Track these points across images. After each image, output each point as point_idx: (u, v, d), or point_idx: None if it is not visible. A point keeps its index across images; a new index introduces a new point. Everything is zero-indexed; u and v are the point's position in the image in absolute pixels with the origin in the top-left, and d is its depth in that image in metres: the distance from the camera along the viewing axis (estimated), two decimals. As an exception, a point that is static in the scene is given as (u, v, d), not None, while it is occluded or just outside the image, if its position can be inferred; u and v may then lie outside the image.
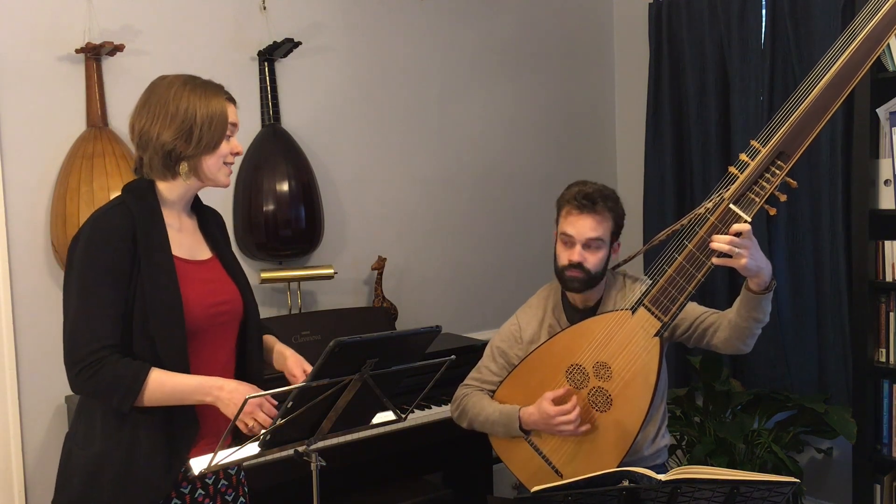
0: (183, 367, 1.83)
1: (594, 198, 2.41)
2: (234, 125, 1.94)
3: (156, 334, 1.81)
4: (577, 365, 2.39)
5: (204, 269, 1.96)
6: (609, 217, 2.43)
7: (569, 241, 2.42)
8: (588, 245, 2.40)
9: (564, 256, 2.44)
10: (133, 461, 1.82)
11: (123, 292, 1.81)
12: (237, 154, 1.96)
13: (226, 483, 2.03)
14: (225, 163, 1.94)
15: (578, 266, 2.41)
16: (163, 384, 1.79)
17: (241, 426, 1.79)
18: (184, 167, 1.89)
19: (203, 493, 1.96)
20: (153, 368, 1.80)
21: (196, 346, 1.88)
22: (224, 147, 1.92)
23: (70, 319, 1.81)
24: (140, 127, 1.89)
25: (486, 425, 2.50)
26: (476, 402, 2.52)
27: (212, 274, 1.98)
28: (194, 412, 1.86)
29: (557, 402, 2.36)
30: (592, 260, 2.41)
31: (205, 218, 2.05)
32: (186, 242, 1.96)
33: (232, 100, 1.95)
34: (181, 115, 1.86)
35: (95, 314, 1.79)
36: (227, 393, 1.80)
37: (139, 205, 1.88)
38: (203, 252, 2.00)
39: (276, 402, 1.83)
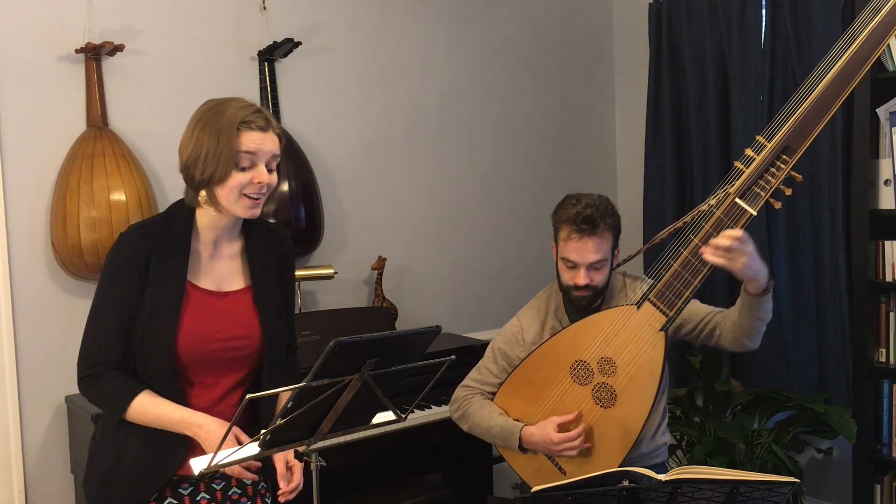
0: (172, 393, 1.85)
1: (594, 220, 2.36)
2: (252, 153, 1.81)
3: (145, 357, 1.85)
4: (581, 361, 2.39)
5: (226, 301, 1.92)
6: (610, 234, 2.40)
7: (573, 266, 2.41)
8: (592, 266, 2.39)
9: (569, 277, 2.42)
10: (119, 464, 1.87)
11: (130, 311, 1.84)
12: (261, 184, 1.82)
13: (238, 491, 1.98)
14: (244, 194, 1.82)
15: (586, 287, 2.41)
16: (146, 411, 1.83)
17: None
18: (203, 196, 1.86)
19: (207, 497, 1.94)
20: (142, 393, 1.83)
21: (196, 373, 1.89)
22: (236, 178, 1.81)
23: (85, 329, 1.87)
24: (179, 150, 1.89)
25: (485, 436, 2.51)
26: (477, 411, 2.51)
27: (233, 307, 1.92)
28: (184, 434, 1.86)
29: (564, 426, 2.37)
30: (598, 277, 2.42)
31: (256, 244, 1.98)
32: (217, 270, 1.92)
33: (258, 127, 1.82)
34: (193, 143, 1.83)
35: (102, 329, 1.85)
36: (205, 432, 1.80)
37: (165, 228, 1.88)
38: (235, 282, 1.95)
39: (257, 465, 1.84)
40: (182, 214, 1.90)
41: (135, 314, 1.84)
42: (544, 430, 2.37)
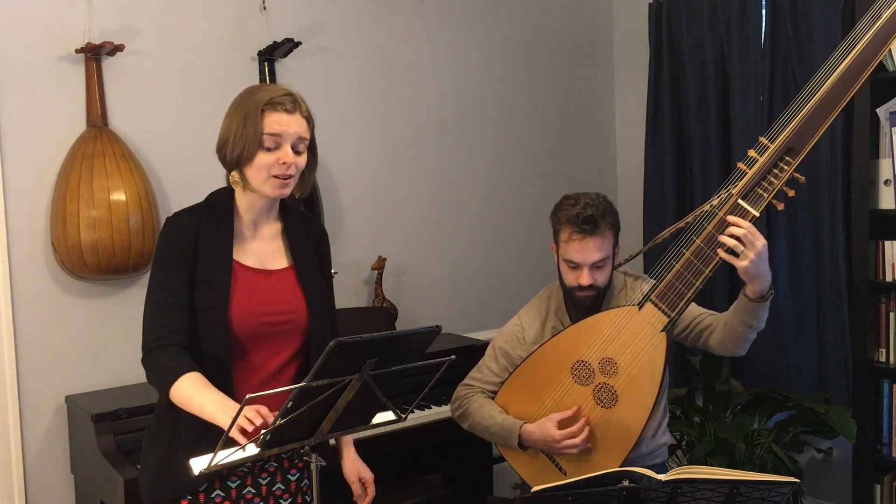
0: (224, 369, 1.87)
1: (595, 220, 2.36)
2: (276, 135, 1.87)
3: (200, 335, 1.88)
4: (582, 361, 2.39)
5: (271, 278, 1.97)
6: (610, 232, 2.41)
7: (575, 266, 2.41)
8: (595, 266, 2.40)
9: (572, 278, 2.42)
10: (172, 452, 1.89)
11: (186, 285, 1.88)
12: (286, 164, 1.87)
13: (282, 487, 2.01)
14: (273, 175, 1.88)
15: (589, 287, 2.41)
16: (178, 392, 1.81)
17: (237, 436, 1.69)
18: (234, 176, 1.92)
19: (253, 491, 1.97)
20: (188, 374, 1.80)
21: (247, 349, 1.91)
22: (262, 158, 1.87)
23: (144, 312, 1.91)
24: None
25: (485, 434, 2.51)
26: (477, 409, 2.51)
27: (279, 284, 1.98)
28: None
29: (564, 424, 2.36)
30: (601, 277, 2.42)
31: (293, 228, 2.04)
32: (259, 251, 1.98)
33: (284, 109, 1.88)
34: (224, 126, 1.92)
35: (158, 306, 1.88)
36: (228, 417, 1.73)
37: (208, 210, 1.95)
38: (277, 261, 2.00)
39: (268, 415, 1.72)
40: (222, 198, 1.97)
41: (190, 288, 1.88)
42: (545, 428, 2.37)
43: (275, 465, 2.00)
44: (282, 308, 1.96)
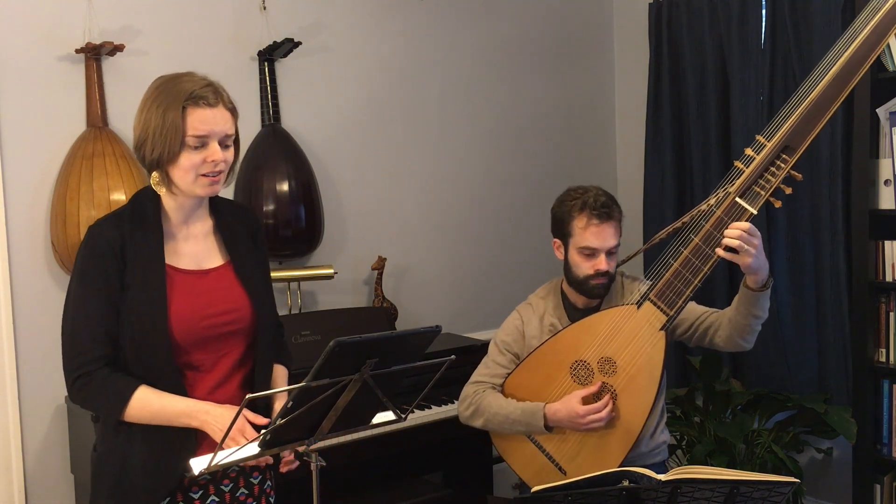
0: (172, 380, 1.81)
1: (609, 206, 2.43)
2: (202, 136, 1.77)
3: (140, 346, 1.80)
4: (581, 361, 2.39)
5: (208, 277, 1.90)
6: (619, 222, 2.47)
7: (592, 253, 2.42)
8: (609, 252, 2.43)
9: (588, 266, 2.43)
10: (127, 468, 1.83)
11: (113, 303, 1.79)
12: (215, 161, 1.78)
13: (245, 492, 1.96)
14: (201, 174, 1.79)
15: (605, 274, 2.42)
16: (149, 404, 1.77)
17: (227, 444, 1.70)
18: (155, 177, 1.83)
19: (217, 499, 1.91)
20: (142, 387, 1.78)
21: (195, 356, 1.85)
22: (189, 158, 1.77)
23: (65, 329, 1.82)
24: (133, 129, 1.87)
25: (504, 424, 2.46)
26: (493, 401, 2.50)
27: (217, 283, 1.90)
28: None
29: (587, 400, 2.36)
30: (613, 264, 2.46)
31: (226, 221, 1.95)
32: (192, 251, 1.90)
33: (207, 104, 1.78)
34: (141, 123, 1.81)
35: (85, 325, 1.79)
36: (214, 418, 1.76)
37: (134, 215, 1.85)
38: (213, 260, 1.92)
39: (256, 432, 1.74)
40: (148, 200, 1.87)
41: (119, 306, 1.79)
42: (569, 404, 2.36)
43: (236, 469, 1.93)
44: (224, 308, 1.87)
